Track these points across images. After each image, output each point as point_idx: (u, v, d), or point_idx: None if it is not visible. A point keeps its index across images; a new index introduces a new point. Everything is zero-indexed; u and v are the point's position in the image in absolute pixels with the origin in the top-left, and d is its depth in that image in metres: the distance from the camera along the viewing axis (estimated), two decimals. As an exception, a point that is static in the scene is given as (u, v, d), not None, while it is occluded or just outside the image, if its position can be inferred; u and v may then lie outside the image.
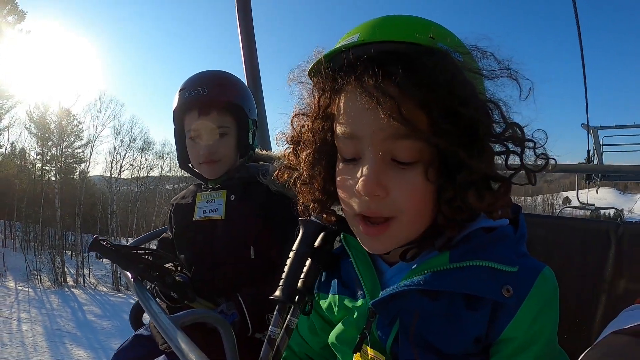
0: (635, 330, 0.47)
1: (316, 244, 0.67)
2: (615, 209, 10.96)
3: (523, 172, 0.54)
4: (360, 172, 0.52)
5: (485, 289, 0.52)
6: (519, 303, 0.52)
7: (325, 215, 0.65)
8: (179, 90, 1.16)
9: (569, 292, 0.74)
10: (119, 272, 21.37)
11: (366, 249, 0.58)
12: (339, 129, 0.55)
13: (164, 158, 24.65)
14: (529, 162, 0.53)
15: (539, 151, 0.53)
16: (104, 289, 20.62)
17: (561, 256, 0.92)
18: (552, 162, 0.53)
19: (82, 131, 24.17)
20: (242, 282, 1.12)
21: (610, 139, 8.45)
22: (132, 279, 1.00)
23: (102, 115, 23.09)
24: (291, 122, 0.65)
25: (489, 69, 0.53)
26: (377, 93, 0.48)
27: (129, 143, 23.79)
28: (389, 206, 0.52)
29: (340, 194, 0.58)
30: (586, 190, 11.07)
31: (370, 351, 0.59)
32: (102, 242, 0.98)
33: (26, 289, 17.62)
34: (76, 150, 24.71)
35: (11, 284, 18.25)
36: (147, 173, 24.64)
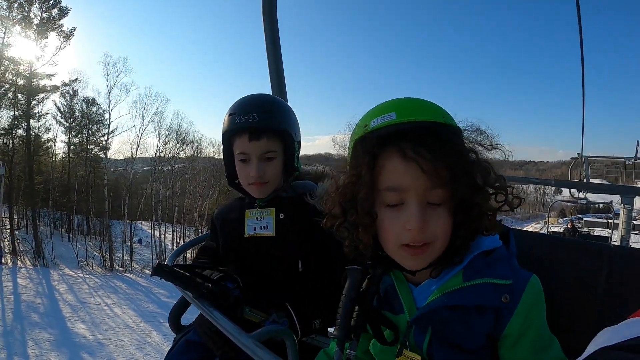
0: (628, 345, 0.49)
1: (362, 288, 0.81)
2: (605, 203, 11.83)
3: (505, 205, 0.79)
4: (406, 213, 0.71)
5: (490, 300, 0.72)
6: (514, 305, 0.72)
7: (371, 254, 0.81)
8: (228, 115, 1.26)
9: (563, 308, 0.84)
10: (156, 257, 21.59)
11: (407, 268, 0.77)
12: (385, 183, 0.73)
13: (196, 147, 25.94)
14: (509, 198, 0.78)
15: (515, 193, 0.79)
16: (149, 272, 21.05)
17: (556, 274, 1.01)
18: (520, 200, 0.80)
19: (105, 120, 24.26)
20: (290, 292, 1.22)
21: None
22: (196, 300, 1.08)
23: (149, 110, 24.40)
24: (336, 180, 0.82)
25: (483, 143, 0.79)
26: (417, 157, 0.69)
27: (175, 136, 25.23)
28: (428, 235, 0.72)
29: (386, 232, 0.75)
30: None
31: (409, 354, 0.78)
32: (164, 267, 1.07)
33: (87, 276, 18.26)
34: (100, 138, 24.78)
35: (69, 272, 18.72)
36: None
